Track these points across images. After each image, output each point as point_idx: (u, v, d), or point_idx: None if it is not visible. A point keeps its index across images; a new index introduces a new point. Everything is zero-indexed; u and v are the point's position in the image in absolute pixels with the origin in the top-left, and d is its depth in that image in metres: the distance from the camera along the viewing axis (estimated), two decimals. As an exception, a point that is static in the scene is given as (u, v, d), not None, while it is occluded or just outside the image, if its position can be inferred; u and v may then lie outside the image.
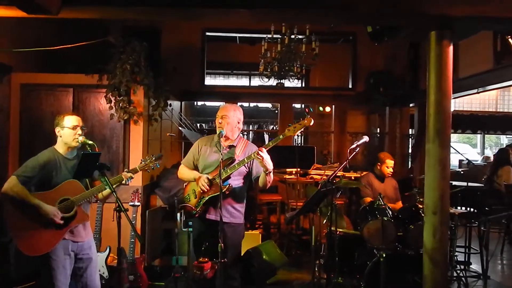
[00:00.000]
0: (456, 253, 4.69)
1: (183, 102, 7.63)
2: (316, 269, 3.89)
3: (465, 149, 16.33)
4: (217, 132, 3.18)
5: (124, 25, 5.19)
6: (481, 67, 5.58)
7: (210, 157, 3.29)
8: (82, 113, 4.62)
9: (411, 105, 7.70)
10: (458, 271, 4.53)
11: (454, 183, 5.18)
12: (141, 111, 4.86)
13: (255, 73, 8.71)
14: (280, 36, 5.82)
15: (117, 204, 2.65)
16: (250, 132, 11.23)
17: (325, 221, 3.90)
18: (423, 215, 3.56)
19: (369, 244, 4.05)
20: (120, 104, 4.68)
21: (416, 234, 3.85)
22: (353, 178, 5.85)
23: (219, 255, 2.89)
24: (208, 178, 3.16)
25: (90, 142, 2.93)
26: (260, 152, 2.93)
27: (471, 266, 5.17)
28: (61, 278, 2.86)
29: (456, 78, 4.91)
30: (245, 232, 3.53)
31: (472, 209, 5.58)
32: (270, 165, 3.00)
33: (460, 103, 12.27)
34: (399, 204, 4.82)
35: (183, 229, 3.39)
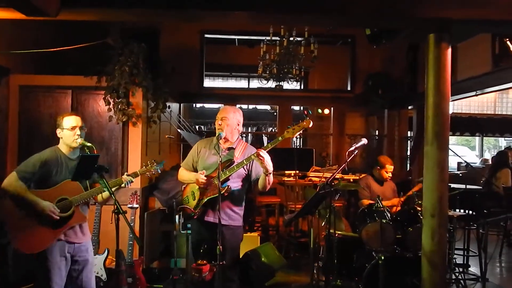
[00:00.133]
0: (455, 256, 4.68)
1: (182, 104, 7.60)
2: (315, 271, 3.90)
3: (464, 152, 16.35)
4: (217, 134, 3.18)
5: (123, 27, 5.19)
6: (479, 69, 5.58)
7: (209, 159, 3.29)
8: (80, 115, 4.58)
9: (409, 107, 7.71)
10: (457, 274, 4.54)
11: (452, 185, 5.16)
12: (140, 113, 4.85)
13: (254, 75, 8.69)
14: (279, 38, 5.83)
15: (115, 206, 2.65)
16: (249, 134, 11.24)
17: (323, 223, 3.89)
18: (421, 217, 3.57)
19: (367, 247, 4.05)
20: (119, 106, 4.68)
21: (415, 237, 3.85)
22: (351, 180, 5.85)
23: (217, 257, 2.88)
24: (205, 174, 3.15)
25: (89, 144, 2.92)
26: (260, 153, 2.93)
27: (469, 268, 5.16)
28: (57, 280, 2.86)
29: (454, 80, 4.91)
30: (244, 234, 3.53)
31: (470, 212, 5.57)
32: (270, 166, 3.01)
33: (459, 105, 12.25)
34: (397, 200, 4.77)
35: (182, 231, 3.37)
